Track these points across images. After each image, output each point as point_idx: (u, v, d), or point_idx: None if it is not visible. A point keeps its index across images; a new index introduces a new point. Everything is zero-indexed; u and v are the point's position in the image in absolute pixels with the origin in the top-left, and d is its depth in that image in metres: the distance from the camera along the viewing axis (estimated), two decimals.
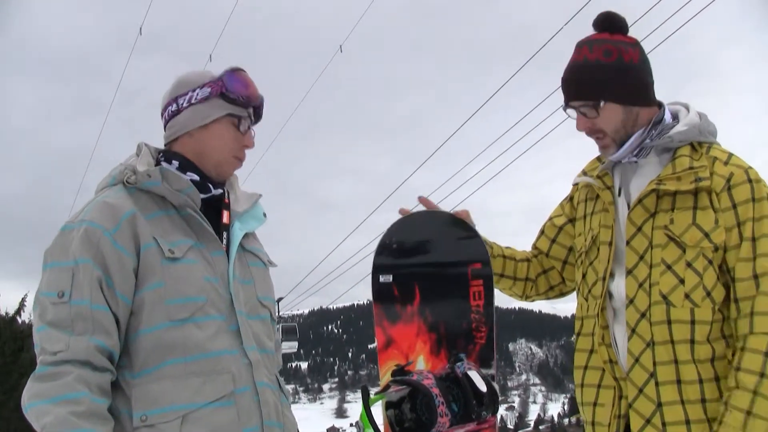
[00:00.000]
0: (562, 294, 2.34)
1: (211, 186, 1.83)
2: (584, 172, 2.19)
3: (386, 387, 1.91)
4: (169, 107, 1.84)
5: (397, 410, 1.88)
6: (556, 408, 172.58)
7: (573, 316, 2.17)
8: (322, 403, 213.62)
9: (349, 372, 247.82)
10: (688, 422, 1.81)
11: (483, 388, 1.89)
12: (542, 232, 2.31)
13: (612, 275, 1.97)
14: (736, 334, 1.83)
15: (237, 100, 1.82)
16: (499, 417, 2.12)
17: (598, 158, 2.17)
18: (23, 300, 19.23)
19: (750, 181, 1.85)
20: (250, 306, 1.80)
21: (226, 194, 1.90)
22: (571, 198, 2.27)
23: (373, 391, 1.89)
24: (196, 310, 1.66)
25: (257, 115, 1.92)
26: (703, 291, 1.84)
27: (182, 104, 1.82)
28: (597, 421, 1.99)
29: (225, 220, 1.85)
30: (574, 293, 2.22)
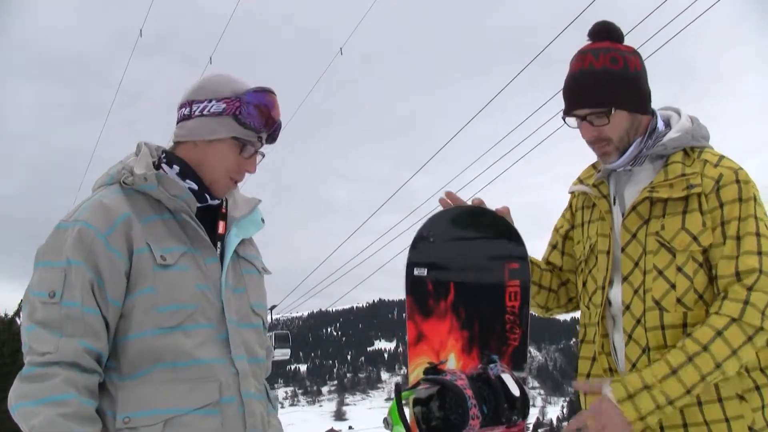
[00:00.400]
0: (578, 307, 2.30)
1: (208, 196, 1.80)
2: (580, 180, 2.20)
3: (416, 383, 1.88)
4: (183, 109, 1.81)
5: (425, 408, 1.84)
6: (555, 411, 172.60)
7: (572, 319, 2.17)
8: (321, 406, 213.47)
9: (348, 375, 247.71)
10: (685, 425, 1.82)
11: (516, 392, 1.85)
12: (552, 246, 2.30)
13: (611, 283, 1.99)
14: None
15: (248, 125, 1.77)
16: None
17: (593, 165, 2.18)
18: (22, 301, 19.23)
19: (738, 181, 1.85)
20: (242, 314, 1.79)
21: (225, 203, 1.88)
22: (570, 206, 2.28)
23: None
24: (186, 318, 1.65)
25: (271, 138, 1.87)
26: (695, 294, 1.85)
27: (194, 111, 1.79)
28: None
29: (221, 230, 1.84)
30: None
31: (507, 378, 1.88)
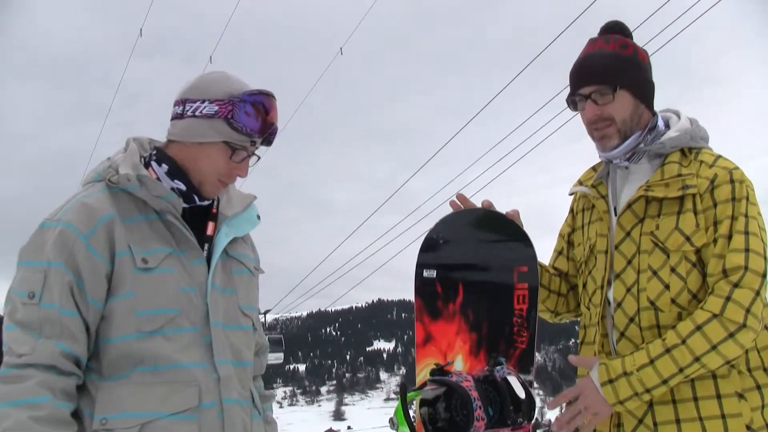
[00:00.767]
0: None
1: (196, 197, 1.77)
2: (580, 182, 2.21)
3: (423, 384, 1.89)
4: (177, 106, 1.76)
5: (431, 409, 1.85)
6: (553, 412, 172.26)
7: (571, 320, 2.18)
8: (319, 406, 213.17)
9: (347, 375, 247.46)
10: (678, 421, 1.82)
11: (522, 394, 1.86)
12: (558, 252, 2.30)
13: (609, 283, 1.99)
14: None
15: (240, 129, 1.71)
16: None
17: (593, 167, 2.19)
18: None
19: (732, 181, 1.86)
20: (230, 316, 1.76)
21: (215, 203, 1.84)
22: (571, 210, 2.28)
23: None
24: (167, 322, 1.63)
25: (267, 141, 1.82)
26: (689, 294, 1.86)
27: (187, 111, 1.74)
28: (598, 429, 1.99)
29: (209, 231, 1.80)
30: None
31: (513, 380, 1.89)
